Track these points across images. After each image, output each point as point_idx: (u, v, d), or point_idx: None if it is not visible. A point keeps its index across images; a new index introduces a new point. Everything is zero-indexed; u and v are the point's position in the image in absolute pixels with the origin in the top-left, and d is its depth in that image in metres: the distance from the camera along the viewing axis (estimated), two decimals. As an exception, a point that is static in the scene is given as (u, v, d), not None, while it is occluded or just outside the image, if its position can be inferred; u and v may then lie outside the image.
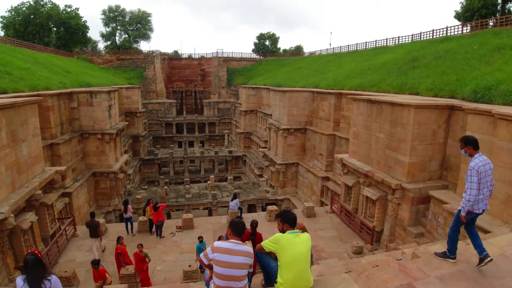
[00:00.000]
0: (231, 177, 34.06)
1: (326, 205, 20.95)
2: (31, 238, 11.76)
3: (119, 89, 33.67)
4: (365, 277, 4.29)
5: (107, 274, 10.37)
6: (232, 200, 16.93)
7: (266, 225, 16.12)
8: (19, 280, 4.00)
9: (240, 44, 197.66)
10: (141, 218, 15.88)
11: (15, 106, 11.56)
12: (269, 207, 17.34)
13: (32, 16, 50.46)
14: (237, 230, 4.37)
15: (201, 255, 4.42)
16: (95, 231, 13.33)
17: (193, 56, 64.45)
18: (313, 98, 25.58)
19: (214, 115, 50.44)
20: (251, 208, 27.86)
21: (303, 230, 4.62)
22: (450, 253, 5.00)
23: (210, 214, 28.26)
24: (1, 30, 50.06)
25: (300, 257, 4.21)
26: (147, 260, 11.27)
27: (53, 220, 14.03)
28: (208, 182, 31.04)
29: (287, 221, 4.52)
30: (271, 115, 31.64)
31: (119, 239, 11.86)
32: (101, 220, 15.84)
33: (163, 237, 15.07)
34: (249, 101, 40.08)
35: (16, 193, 11.03)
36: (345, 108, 21.89)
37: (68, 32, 55.60)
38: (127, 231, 15.48)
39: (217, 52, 59.62)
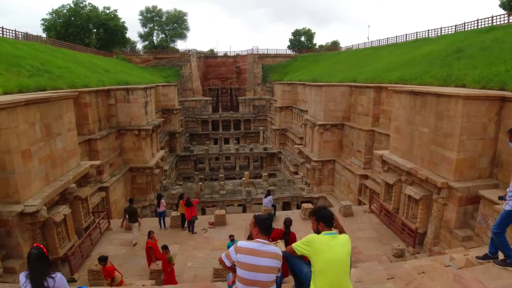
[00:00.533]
0: (266, 174, 33.60)
1: (364, 204, 20.03)
2: (64, 231, 11.88)
3: (156, 86, 34.23)
4: (414, 288, 3.63)
5: (116, 272, 9.97)
6: (265, 197, 16.44)
7: (301, 224, 15.54)
8: (22, 277, 3.67)
9: (275, 41, 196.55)
10: (174, 213, 15.79)
11: (50, 101, 11.69)
12: (304, 205, 16.71)
13: (72, 18, 51.96)
14: (263, 227, 3.82)
15: (223, 255, 3.90)
16: (134, 216, 14.40)
17: (229, 54, 64.51)
18: (350, 93, 24.58)
19: (249, 112, 50.22)
20: (286, 206, 27.29)
21: (341, 230, 3.99)
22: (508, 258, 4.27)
23: (244, 211, 28.03)
24: (43, 32, 52.12)
25: (337, 263, 3.59)
26: (171, 263, 10.89)
27: (87, 213, 14.20)
28: (243, 178, 30.77)
29: (322, 219, 3.94)
30: (306, 111, 30.86)
31: (150, 234, 11.73)
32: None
33: (195, 233, 14.87)
34: (284, 97, 39.40)
35: (49, 186, 11.15)
36: (385, 102, 20.79)
37: (108, 33, 57.02)
38: (160, 226, 15.44)
39: (252, 49, 59.26)
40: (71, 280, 11.28)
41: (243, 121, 49.69)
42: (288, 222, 8.31)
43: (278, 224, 15.35)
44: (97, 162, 15.17)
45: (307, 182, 27.11)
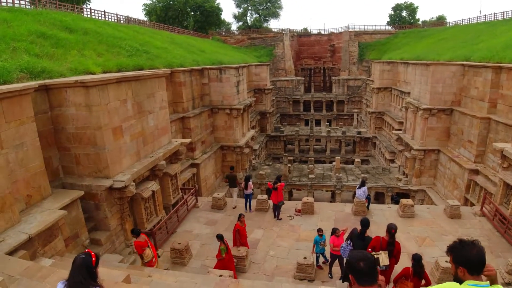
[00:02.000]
0: (359, 160, 31.56)
1: (473, 204, 17.26)
2: (152, 206, 12.15)
3: (248, 66, 34.19)
4: None
5: (147, 250, 9.27)
6: (359, 187, 14.95)
7: (398, 223, 13.79)
8: (60, 285, 3.21)
9: (372, 17, 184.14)
10: (260, 196, 15.32)
11: (141, 79, 11.84)
12: (404, 201, 14.80)
13: (171, 2, 54.83)
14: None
15: None
16: (234, 182, 16.28)
17: (323, 32, 61.87)
18: (462, 73, 21.23)
19: (343, 93, 47.71)
20: (379, 196, 25.29)
21: (493, 280, 2.66)
22: None
23: (332, 198, 26.76)
24: (145, 16, 55.65)
25: None
26: (221, 255, 10.03)
27: (176, 189, 14.47)
28: (334, 163, 29.25)
29: (464, 263, 2.61)
30: (408, 93, 27.86)
31: (240, 217, 11.31)
32: (220, 194, 15.83)
33: (281, 219, 14.22)
34: (382, 78, 36.29)
35: (140, 163, 11.39)
36: (505, 85, 17.43)
37: (204, 15, 58.90)
38: (246, 208, 15.14)
39: (347, 26, 55.86)
40: (155, 256, 11.52)
41: (336, 103, 47.47)
42: (393, 230, 6.98)
43: (371, 221, 13.97)
44: (187, 140, 15.33)
45: (405, 173, 24.62)
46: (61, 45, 14.66)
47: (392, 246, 6.94)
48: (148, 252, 9.23)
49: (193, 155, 19.83)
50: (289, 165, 27.17)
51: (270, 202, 15.09)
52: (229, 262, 10.07)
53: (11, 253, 7.03)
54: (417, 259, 7.17)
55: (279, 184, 14.10)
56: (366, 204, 14.94)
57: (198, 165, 19.58)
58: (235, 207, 15.62)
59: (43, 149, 9.51)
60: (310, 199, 14.96)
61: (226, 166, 23.56)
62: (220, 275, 7.43)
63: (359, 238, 7.93)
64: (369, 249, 7.02)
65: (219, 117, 22.97)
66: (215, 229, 13.35)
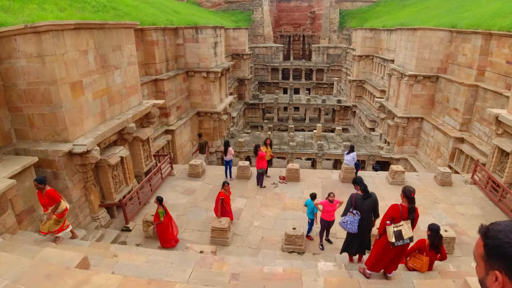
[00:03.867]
0: (340, 128, 30.80)
1: (457, 172, 16.82)
2: (121, 174, 10.81)
3: (226, 29, 32.27)
4: None
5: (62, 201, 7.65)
6: (348, 153, 14.02)
7: (388, 190, 13.13)
8: None
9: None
10: (241, 162, 14.17)
11: (105, 27, 10.20)
12: (394, 167, 14.03)
13: None
14: None
15: None
16: (204, 148, 16.61)
17: (301, -2, 59.68)
18: (450, 39, 20.32)
19: (322, 61, 46.38)
20: (361, 165, 24.73)
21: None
22: None
23: (313, 166, 26.04)
24: None
25: None
26: (159, 218, 9.12)
27: (149, 156, 13.10)
28: (314, 131, 28.39)
29: None
30: (391, 60, 26.95)
31: (224, 184, 10.14)
32: (199, 161, 14.60)
33: (264, 187, 13.19)
34: (364, 45, 35.10)
35: (105, 125, 9.93)
36: (495, 52, 16.71)
37: None
38: (226, 175, 14.01)
39: (316, -8, 54.01)
40: (125, 229, 10.34)
41: (315, 71, 46.21)
42: (412, 193, 5.89)
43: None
44: (160, 101, 13.81)
45: (387, 141, 24.04)
46: (18, -3, 12.71)
47: (413, 213, 5.95)
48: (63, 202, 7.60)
49: (168, 121, 18.35)
50: (269, 132, 26.10)
51: (253, 169, 14.02)
52: (167, 226, 9.23)
53: None
54: (434, 229, 6.27)
55: (260, 151, 13.04)
56: (355, 171, 14.09)
57: (173, 131, 18.16)
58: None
59: (-10, 109, 7.99)
60: (296, 166, 13.96)
61: (203, 134, 22.18)
62: (201, 251, 6.32)
63: (364, 198, 6.91)
64: (388, 221, 6.01)
65: (195, 80, 21.36)
66: (193, 199, 12.25)
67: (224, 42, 25.95)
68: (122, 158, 10.43)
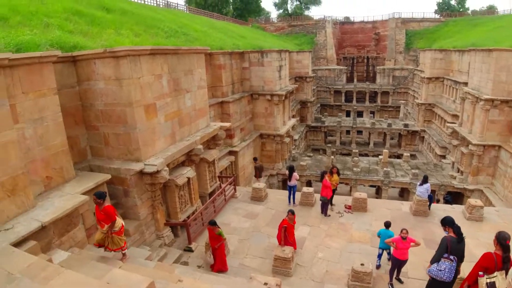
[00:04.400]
0: (407, 154, 29.11)
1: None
2: (187, 195, 10.96)
3: (289, 52, 32.54)
4: None
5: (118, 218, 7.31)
6: (421, 184, 13.00)
7: (465, 227, 11.82)
8: None
9: (418, 6, 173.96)
10: (305, 189, 13.74)
11: (179, 53, 10.60)
12: (472, 201, 12.61)
13: None
14: None
15: None
16: (260, 171, 17.09)
17: (366, 20, 58.74)
18: (530, 61, 18.59)
19: (388, 84, 44.81)
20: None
21: None
22: None
23: (377, 193, 24.78)
24: (185, 4, 55.80)
25: None
26: (222, 238, 9.13)
27: (213, 177, 13.20)
28: (380, 157, 27.11)
29: None
30: (464, 83, 25.18)
31: (289, 213, 9.76)
32: (262, 184, 14.43)
33: (329, 215, 12.62)
34: (434, 67, 33.32)
35: (174, 146, 10.18)
36: None
37: (243, 2, 59.20)
38: (289, 201, 13.64)
39: (393, 13, 52.61)
40: (187, 249, 10.38)
41: (380, 94, 44.71)
42: (507, 241, 5.18)
43: (433, 223, 12.09)
44: (227, 124, 13.98)
45: (460, 170, 22.20)
46: (97, 23, 13.84)
47: (508, 263, 5.21)
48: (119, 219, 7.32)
49: (232, 142, 18.62)
50: (332, 157, 25.38)
51: (317, 196, 13.53)
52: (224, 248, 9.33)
53: (19, 243, 5.98)
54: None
55: (327, 175, 12.57)
56: (428, 203, 13.02)
57: (236, 153, 18.36)
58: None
59: (70, 127, 8.54)
60: (363, 195, 13.22)
61: (265, 156, 22.31)
62: (265, 283, 6.04)
63: (459, 241, 6.20)
64: (480, 272, 5.30)
65: (260, 103, 21.58)
66: (255, 223, 12.03)
67: (288, 65, 26.11)
68: (189, 178, 10.60)
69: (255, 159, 18.23)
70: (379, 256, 9.64)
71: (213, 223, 9.07)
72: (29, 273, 5.05)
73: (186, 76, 11.09)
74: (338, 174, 13.28)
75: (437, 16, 57.51)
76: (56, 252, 6.81)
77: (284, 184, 23.12)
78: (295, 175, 13.68)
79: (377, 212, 12.88)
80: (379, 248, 9.55)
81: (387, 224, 9.38)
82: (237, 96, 19.72)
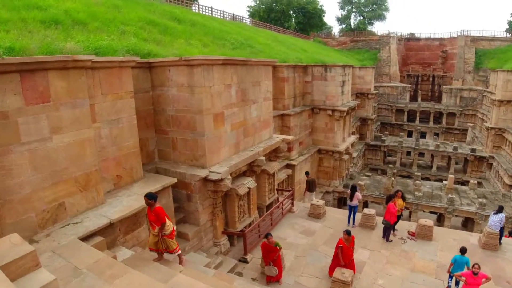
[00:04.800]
0: (474, 181, 27.05)
1: None
2: (246, 205, 10.95)
3: (352, 67, 31.96)
4: None
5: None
6: (495, 213, 11.91)
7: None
8: None
9: (488, 24, 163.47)
10: (367, 210, 13.10)
11: (248, 64, 10.72)
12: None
13: (274, 4, 56.96)
14: None
15: None
16: (312, 186, 16.52)
17: (432, 37, 56.09)
18: None
19: (455, 105, 42.11)
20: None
21: None
22: None
23: (438, 221, 23.16)
24: (248, 17, 57.36)
25: None
26: (278, 248, 9.05)
27: (272, 190, 13.09)
28: (444, 182, 25.46)
29: None
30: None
31: (346, 232, 9.41)
32: (321, 201, 14.04)
33: (391, 241, 11.91)
34: (506, 89, 30.85)
35: (238, 155, 10.24)
36: None
37: (306, 17, 59.56)
38: (348, 221, 13.09)
39: (462, 30, 49.73)
40: (242, 260, 10.28)
41: (445, 115, 42.16)
42: None
43: (504, 258, 10.97)
44: (290, 137, 13.91)
45: (535, 202, 20.18)
46: (168, 33, 14.57)
47: None
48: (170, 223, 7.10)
49: (290, 155, 18.43)
50: (392, 178, 24.24)
51: (378, 219, 12.88)
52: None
53: (86, 237, 6.24)
54: None
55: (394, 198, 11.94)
56: (499, 237, 11.83)
57: (294, 166, 18.12)
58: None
59: (141, 130, 8.88)
60: (429, 222, 12.34)
61: (322, 172, 21.84)
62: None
63: None
64: None
65: (320, 118, 21.24)
66: (312, 241, 11.66)
67: (350, 81, 25.60)
68: (249, 189, 10.58)
69: (306, 173, 17.87)
70: (450, 277, 9.10)
71: (268, 235, 9.03)
72: (95, 269, 5.19)
73: (253, 87, 11.17)
74: (404, 199, 12.54)
75: (508, 36, 53.59)
76: (120, 250, 7.01)
77: (339, 202, 22.45)
78: (358, 195, 13.14)
79: (442, 242, 11.94)
80: (451, 272, 8.90)
81: (463, 250, 8.76)
82: (298, 109, 19.59)
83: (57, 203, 6.51)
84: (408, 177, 31.24)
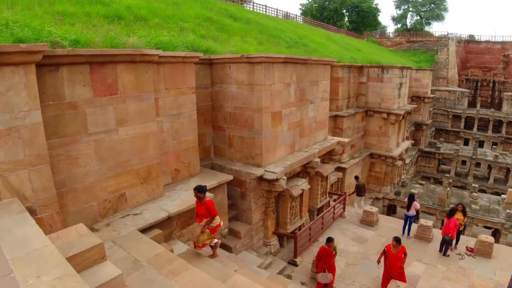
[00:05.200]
0: (537, 197, 24.92)
1: None
2: (298, 206, 10.76)
3: (410, 69, 30.64)
4: None
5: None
6: None
7: None
8: None
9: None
10: (424, 221, 12.38)
11: (308, 63, 10.48)
12: None
13: (327, 3, 56.03)
14: None
15: None
16: (361, 191, 15.87)
17: (493, 40, 52.40)
18: None
19: (516, 113, 39.21)
20: None
21: None
22: None
23: (493, 235, 21.59)
24: (301, 15, 56.86)
25: None
26: (334, 253, 9.00)
27: (324, 193, 12.76)
28: (503, 196, 23.75)
29: None
30: None
31: (394, 239, 8.92)
32: (373, 208, 13.51)
33: (448, 256, 11.18)
34: None
35: (293, 156, 10.05)
36: None
37: (360, 16, 57.70)
38: (403, 232, 12.44)
39: (526, 34, 46.05)
40: (292, 263, 10.12)
41: (506, 123, 39.20)
42: None
43: None
44: (345, 140, 13.53)
45: None
46: (225, 30, 14.71)
47: None
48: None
49: (341, 158, 17.89)
50: (448, 188, 22.92)
51: (435, 232, 12.17)
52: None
53: (145, 229, 6.33)
54: None
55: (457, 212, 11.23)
56: None
57: (344, 169, 17.62)
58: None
59: (199, 125, 8.95)
60: (490, 238, 11.47)
61: (373, 177, 21.08)
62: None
63: None
64: None
65: (374, 121, 20.47)
66: (364, 249, 11.24)
67: (408, 83, 24.51)
68: (302, 191, 10.36)
69: (356, 177, 17.15)
70: None
71: (331, 239, 8.94)
72: (155, 263, 5.20)
73: (311, 87, 10.92)
74: (464, 213, 11.75)
75: None
76: (176, 243, 7.07)
77: (389, 210, 21.60)
78: (416, 204, 12.48)
79: (502, 260, 11.05)
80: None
81: None
82: (352, 111, 19.01)
83: (119, 193, 6.67)
84: (463, 187, 29.50)
